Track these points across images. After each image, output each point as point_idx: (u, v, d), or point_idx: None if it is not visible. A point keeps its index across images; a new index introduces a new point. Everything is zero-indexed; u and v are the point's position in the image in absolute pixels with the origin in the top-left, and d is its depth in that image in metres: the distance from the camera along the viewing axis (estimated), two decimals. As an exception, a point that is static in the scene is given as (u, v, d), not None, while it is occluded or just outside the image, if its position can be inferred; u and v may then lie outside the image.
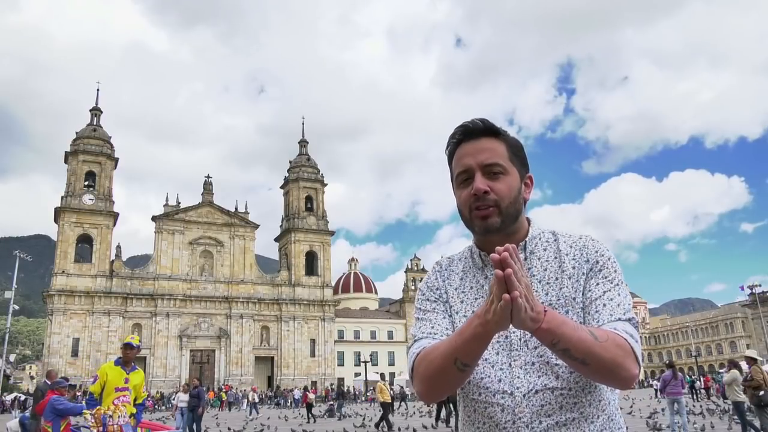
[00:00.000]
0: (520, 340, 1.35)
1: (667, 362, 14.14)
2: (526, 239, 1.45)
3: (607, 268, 1.39)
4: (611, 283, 1.37)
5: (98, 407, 6.20)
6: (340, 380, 67.60)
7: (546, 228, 1.50)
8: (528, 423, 1.29)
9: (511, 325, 1.18)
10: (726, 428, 14.07)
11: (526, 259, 1.42)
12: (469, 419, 1.40)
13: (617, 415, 1.38)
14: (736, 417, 11.60)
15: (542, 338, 1.18)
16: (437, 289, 1.50)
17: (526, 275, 1.15)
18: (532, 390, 1.30)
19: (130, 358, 6.56)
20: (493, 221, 1.37)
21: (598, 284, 1.36)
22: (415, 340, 1.42)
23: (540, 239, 1.46)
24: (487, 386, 1.34)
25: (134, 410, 6.55)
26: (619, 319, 1.30)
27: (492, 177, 1.38)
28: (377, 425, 18.28)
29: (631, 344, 1.23)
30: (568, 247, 1.43)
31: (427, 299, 1.49)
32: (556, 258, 1.42)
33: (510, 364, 1.34)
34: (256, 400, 36.47)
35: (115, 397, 6.27)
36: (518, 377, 1.32)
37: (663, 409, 22.32)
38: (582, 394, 1.31)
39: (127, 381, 6.44)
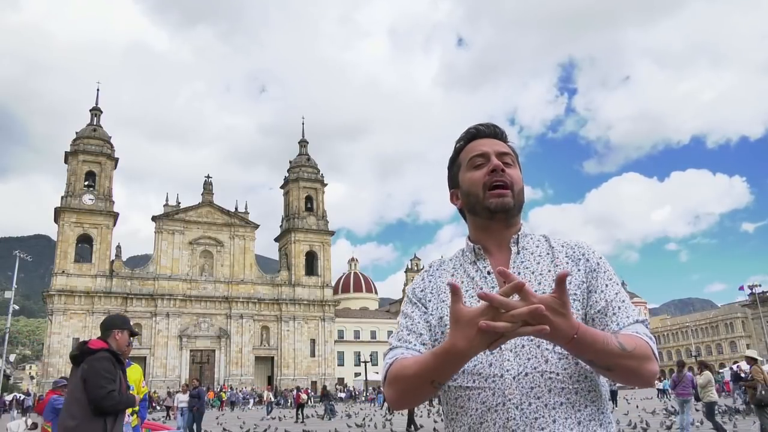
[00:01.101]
0: None
1: (678, 362, 14.15)
2: (519, 234, 1.50)
3: (608, 270, 1.45)
4: (617, 284, 1.43)
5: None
6: (340, 380, 67.73)
7: (536, 232, 1.57)
8: (518, 404, 1.31)
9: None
10: (732, 427, 14.05)
11: (518, 253, 1.47)
12: (463, 409, 1.40)
13: (608, 408, 1.41)
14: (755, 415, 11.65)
15: (572, 348, 1.20)
16: (422, 290, 1.54)
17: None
18: (521, 372, 1.32)
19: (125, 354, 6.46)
20: (508, 200, 1.44)
21: (607, 285, 1.42)
22: (391, 348, 1.46)
23: (532, 238, 1.52)
24: (479, 372, 1.36)
25: (137, 408, 6.45)
26: (637, 321, 1.36)
27: (506, 166, 1.48)
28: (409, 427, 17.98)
29: (652, 347, 1.29)
30: (560, 246, 1.49)
31: (409, 301, 1.54)
32: (548, 254, 1.47)
33: (500, 348, 1.35)
34: (272, 399, 36.83)
35: None
36: (508, 360, 1.34)
37: (665, 410, 22.33)
38: (569, 381, 1.33)
39: None
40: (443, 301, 1.47)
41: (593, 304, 1.40)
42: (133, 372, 6.51)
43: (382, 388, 1.43)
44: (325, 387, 37.24)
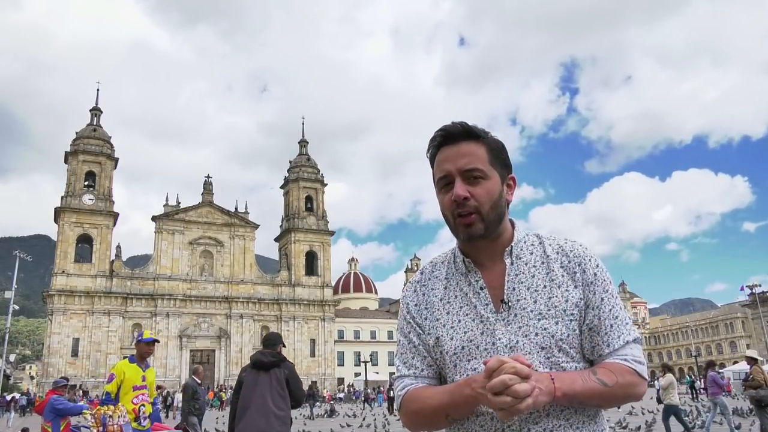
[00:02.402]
0: (505, 346, 1.35)
1: (708, 363, 14.23)
2: (512, 244, 1.44)
3: (605, 281, 1.41)
4: (612, 297, 1.40)
5: (98, 407, 6.13)
6: (340, 380, 67.74)
7: (530, 231, 1.50)
8: (517, 430, 1.31)
9: (496, 332, 1.36)
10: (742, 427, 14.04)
11: (512, 263, 1.42)
12: None
13: (605, 424, 1.42)
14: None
15: (560, 403, 1.28)
16: (416, 305, 1.51)
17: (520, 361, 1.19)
18: None
19: (150, 353, 6.46)
20: (477, 228, 1.37)
21: (603, 299, 1.39)
22: (399, 376, 1.47)
23: (525, 242, 1.46)
24: None
25: (151, 410, 6.42)
26: (627, 342, 1.36)
27: (472, 182, 1.38)
28: None
29: (639, 372, 1.33)
30: (555, 252, 1.43)
31: (404, 319, 1.52)
32: (543, 263, 1.42)
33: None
34: None
35: (134, 396, 6.12)
36: None
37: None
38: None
39: (144, 379, 6.32)
40: (437, 320, 1.45)
41: (588, 321, 1.38)
42: (150, 374, 6.51)
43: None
44: (311, 385, 36.69)
